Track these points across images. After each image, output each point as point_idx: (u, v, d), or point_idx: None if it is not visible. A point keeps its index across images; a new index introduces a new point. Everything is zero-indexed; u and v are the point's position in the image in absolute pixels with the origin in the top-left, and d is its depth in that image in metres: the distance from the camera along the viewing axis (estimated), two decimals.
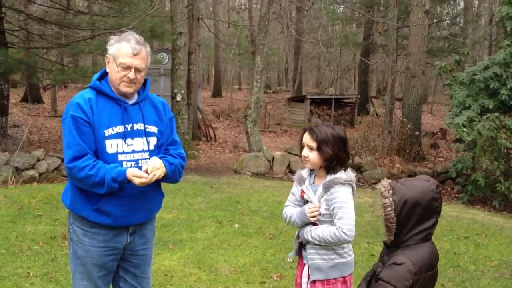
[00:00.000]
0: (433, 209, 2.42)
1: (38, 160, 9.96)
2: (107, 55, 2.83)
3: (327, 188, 2.84)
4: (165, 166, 2.82)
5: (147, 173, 2.73)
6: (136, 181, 2.70)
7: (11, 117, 15.09)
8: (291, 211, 3.01)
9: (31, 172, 9.68)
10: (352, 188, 2.88)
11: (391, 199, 2.40)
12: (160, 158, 2.88)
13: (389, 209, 2.39)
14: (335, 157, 2.83)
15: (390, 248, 2.50)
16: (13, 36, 14.35)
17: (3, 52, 11.23)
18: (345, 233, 2.76)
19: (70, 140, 2.72)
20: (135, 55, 2.76)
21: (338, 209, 2.80)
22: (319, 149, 2.84)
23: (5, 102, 12.72)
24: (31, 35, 14.41)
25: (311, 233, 2.87)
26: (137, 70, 2.79)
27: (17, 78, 14.90)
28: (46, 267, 4.97)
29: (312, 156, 2.86)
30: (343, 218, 2.78)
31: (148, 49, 2.88)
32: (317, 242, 2.85)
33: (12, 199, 7.44)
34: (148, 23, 12.57)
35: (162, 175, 2.79)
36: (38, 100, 23.13)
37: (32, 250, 5.45)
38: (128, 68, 2.77)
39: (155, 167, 2.75)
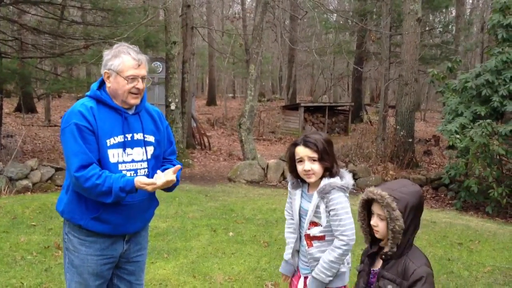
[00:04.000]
0: (422, 211, 2.45)
1: (32, 170, 9.93)
2: (106, 71, 2.84)
3: (322, 193, 2.78)
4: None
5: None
6: (149, 188, 2.73)
7: (5, 127, 15.06)
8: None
9: (24, 182, 9.66)
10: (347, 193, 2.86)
11: (398, 210, 2.35)
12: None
13: (401, 221, 2.34)
14: (333, 163, 2.82)
15: (388, 261, 2.43)
16: (7, 46, 14.34)
17: None
18: (349, 240, 2.76)
19: (75, 149, 2.69)
20: (139, 65, 2.84)
21: (339, 215, 2.76)
22: (321, 159, 2.80)
23: None
24: (24, 45, 14.40)
25: (321, 275, 2.81)
26: (142, 79, 2.86)
27: (11, 88, 14.86)
28: (40, 277, 4.96)
29: (316, 168, 2.80)
30: (345, 225, 2.75)
31: (146, 56, 2.94)
32: (331, 271, 2.80)
33: (6, 209, 7.41)
34: (142, 32, 12.62)
35: (171, 183, 2.81)
36: (32, 109, 23.09)
37: (25, 260, 5.43)
38: (135, 79, 2.83)
39: (174, 171, 2.82)
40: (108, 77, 2.85)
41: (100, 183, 2.67)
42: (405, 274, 2.34)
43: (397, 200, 2.35)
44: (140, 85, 2.85)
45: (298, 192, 2.96)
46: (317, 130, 22.46)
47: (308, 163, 2.81)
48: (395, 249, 2.39)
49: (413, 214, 2.37)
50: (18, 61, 12.11)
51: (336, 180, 2.80)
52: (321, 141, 2.81)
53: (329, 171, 2.82)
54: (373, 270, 2.54)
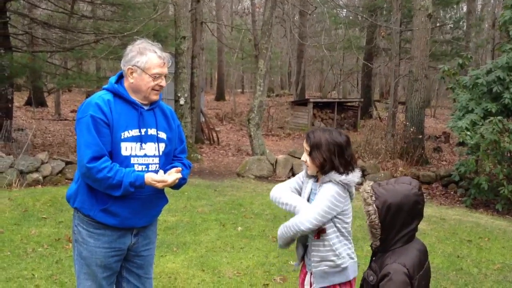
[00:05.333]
0: (417, 211, 2.42)
1: (42, 163, 9.99)
2: (130, 67, 2.87)
3: (322, 184, 2.86)
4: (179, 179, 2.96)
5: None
6: (159, 185, 2.81)
7: (15, 121, 15.17)
8: (290, 199, 2.95)
9: (35, 175, 9.72)
10: (349, 191, 2.86)
11: (374, 205, 2.39)
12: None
13: (373, 216, 2.39)
14: (326, 163, 2.81)
15: (377, 253, 2.50)
16: (18, 40, 14.44)
17: (8, 56, 11.33)
18: (301, 222, 2.76)
19: (89, 140, 2.73)
20: (164, 63, 2.91)
21: (316, 199, 2.81)
22: (310, 154, 2.85)
23: (10, 106, 12.80)
24: (35, 39, 14.50)
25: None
26: (165, 76, 2.94)
27: (21, 82, 14.99)
28: (50, 269, 5.01)
29: (308, 160, 2.89)
30: (309, 208, 2.78)
31: (168, 53, 3.01)
32: (284, 231, 2.87)
33: (17, 202, 7.48)
34: (151, 27, 12.67)
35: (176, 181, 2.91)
36: (42, 103, 23.25)
37: (36, 252, 5.48)
38: (159, 76, 2.90)
39: (176, 171, 2.91)
40: (132, 73, 2.88)
41: (111, 176, 2.71)
42: (381, 268, 2.40)
43: (377, 196, 2.40)
44: (163, 82, 2.93)
45: (310, 181, 3.00)
46: (326, 126, 22.42)
47: (304, 154, 2.91)
48: (378, 243, 2.45)
49: (394, 212, 2.37)
50: (29, 55, 12.20)
51: (336, 175, 2.81)
52: (320, 137, 2.83)
53: (322, 168, 2.83)
54: None
